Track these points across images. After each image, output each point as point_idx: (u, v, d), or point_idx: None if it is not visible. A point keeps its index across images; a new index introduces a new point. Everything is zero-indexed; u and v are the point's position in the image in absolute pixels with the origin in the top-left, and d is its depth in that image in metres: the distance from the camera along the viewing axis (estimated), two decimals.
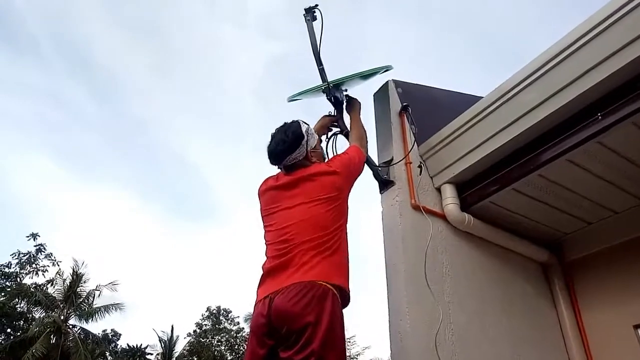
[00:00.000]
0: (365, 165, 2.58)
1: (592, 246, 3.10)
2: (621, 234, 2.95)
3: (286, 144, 2.06)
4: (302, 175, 2.02)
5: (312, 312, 1.63)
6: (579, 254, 3.18)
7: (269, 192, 2.11)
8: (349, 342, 25.02)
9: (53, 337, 20.28)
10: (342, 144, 2.54)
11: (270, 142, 2.14)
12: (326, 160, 2.28)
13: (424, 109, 3.04)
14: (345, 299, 1.83)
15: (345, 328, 1.76)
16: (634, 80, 2.10)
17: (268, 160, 2.14)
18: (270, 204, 2.07)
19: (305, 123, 2.18)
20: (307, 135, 2.11)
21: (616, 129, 2.20)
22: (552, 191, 2.76)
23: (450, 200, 2.78)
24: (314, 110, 2.69)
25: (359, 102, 2.61)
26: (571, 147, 2.35)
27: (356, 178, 2.18)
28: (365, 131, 2.49)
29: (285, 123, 2.16)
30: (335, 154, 2.48)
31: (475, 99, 2.94)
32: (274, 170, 2.20)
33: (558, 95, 2.30)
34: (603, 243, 3.04)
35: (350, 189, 2.11)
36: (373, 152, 2.77)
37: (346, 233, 1.99)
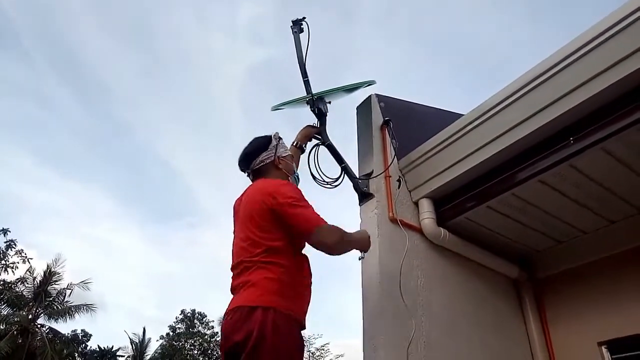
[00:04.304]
0: (346, 176, 2.63)
1: (562, 264, 3.19)
2: (589, 254, 3.04)
3: (254, 147, 2.14)
4: (250, 192, 2.03)
5: (240, 331, 1.64)
6: (549, 272, 3.26)
7: (236, 210, 2.14)
8: (323, 349, 24.96)
9: (19, 336, 19.71)
10: (323, 156, 2.59)
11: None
12: (295, 173, 2.30)
13: (405, 124, 3.09)
14: (290, 321, 1.70)
15: (289, 351, 1.65)
16: (604, 108, 2.18)
17: (239, 168, 2.19)
18: (234, 222, 2.12)
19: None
20: (276, 141, 2.16)
21: (587, 154, 2.29)
22: (525, 210, 2.83)
23: (427, 215, 2.83)
24: (300, 120, 2.73)
25: None
26: (544, 169, 2.42)
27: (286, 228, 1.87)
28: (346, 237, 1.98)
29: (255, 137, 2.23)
30: (316, 164, 2.53)
31: (456, 116, 3.01)
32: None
33: (534, 117, 2.37)
34: (572, 262, 3.13)
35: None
36: (354, 165, 2.81)
37: (294, 249, 1.89)
